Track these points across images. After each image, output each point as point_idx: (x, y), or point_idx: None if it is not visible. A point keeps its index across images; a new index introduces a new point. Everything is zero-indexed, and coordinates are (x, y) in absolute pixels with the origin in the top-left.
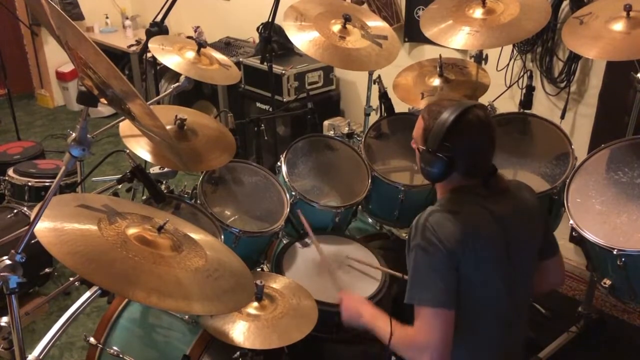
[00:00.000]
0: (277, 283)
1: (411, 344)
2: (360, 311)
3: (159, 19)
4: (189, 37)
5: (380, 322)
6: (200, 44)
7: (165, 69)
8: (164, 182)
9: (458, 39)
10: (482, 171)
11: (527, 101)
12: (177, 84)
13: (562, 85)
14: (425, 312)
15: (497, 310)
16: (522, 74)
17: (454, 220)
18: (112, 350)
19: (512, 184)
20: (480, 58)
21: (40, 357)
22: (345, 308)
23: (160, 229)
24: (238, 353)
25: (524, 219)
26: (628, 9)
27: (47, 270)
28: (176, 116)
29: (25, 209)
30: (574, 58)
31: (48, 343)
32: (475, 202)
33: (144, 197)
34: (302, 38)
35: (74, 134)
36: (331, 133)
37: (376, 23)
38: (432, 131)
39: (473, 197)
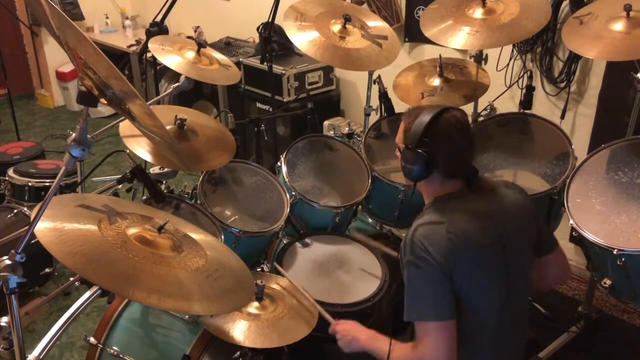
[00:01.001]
0: (277, 283)
1: None
2: (356, 336)
3: (159, 19)
4: (189, 37)
5: (378, 343)
6: (200, 44)
7: (165, 69)
8: (164, 182)
9: (458, 39)
10: (462, 171)
11: (527, 101)
12: (177, 84)
13: (562, 85)
14: (428, 327)
15: (495, 313)
16: (522, 74)
17: (441, 231)
18: (112, 350)
19: (497, 183)
20: (480, 58)
21: (40, 357)
22: (341, 336)
23: (160, 229)
24: (238, 353)
25: (514, 216)
26: (628, 9)
27: (47, 270)
28: (176, 116)
29: (25, 209)
30: (573, 58)
31: (48, 343)
32: (461, 206)
33: (144, 197)
34: (302, 38)
35: (74, 134)
36: (331, 133)
37: (376, 23)
38: (412, 130)
39: (458, 201)
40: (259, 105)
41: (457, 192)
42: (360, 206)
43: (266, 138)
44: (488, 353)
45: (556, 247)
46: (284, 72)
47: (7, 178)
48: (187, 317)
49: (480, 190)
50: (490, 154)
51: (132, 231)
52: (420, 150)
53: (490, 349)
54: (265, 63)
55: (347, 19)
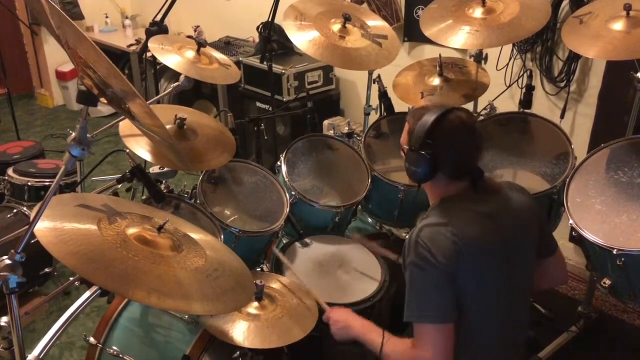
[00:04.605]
0: (277, 283)
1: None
2: (349, 324)
3: (159, 18)
4: (189, 37)
5: (372, 335)
6: (200, 44)
7: (165, 68)
8: (164, 182)
9: (458, 39)
10: (467, 173)
11: (527, 101)
12: (177, 83)
13: (562, 85)
14: (427, 329)
15: (497, 314)
16: (522, 73)
17: (446, 232)
18: (112, 350)
19: (503, 185)
20: (480, 58)
21: (40, 357)
22: (334, 322)
23: (160, 229)
24: (238, 353)
25: (518, 218)
26: (628, 8)
27: (47, 270)
28: (176, 116)
29: (25, 209)
30: (574, 58)
31: (48, 343)
32: (466, 208)
33: (144, 197)
34: (302, 38)
35: (74, 134)
36: (331, 133)
37: (376, 23)
38: (415, 131)
39: (464, 203)
40: (259, 104)
41: (463, 193)
42: (360, 206)
43: (266, 138)
44: (490, 353)
45: (557, 250)
46: (284, 71)
47: (7, 178)
48: (187, 317)
49: (485, 191)
50: (490, 153)
51: (132, 231)
52: (423, 153)
53: (491, 349)
54: (265, 63)
55: (347, 19)
